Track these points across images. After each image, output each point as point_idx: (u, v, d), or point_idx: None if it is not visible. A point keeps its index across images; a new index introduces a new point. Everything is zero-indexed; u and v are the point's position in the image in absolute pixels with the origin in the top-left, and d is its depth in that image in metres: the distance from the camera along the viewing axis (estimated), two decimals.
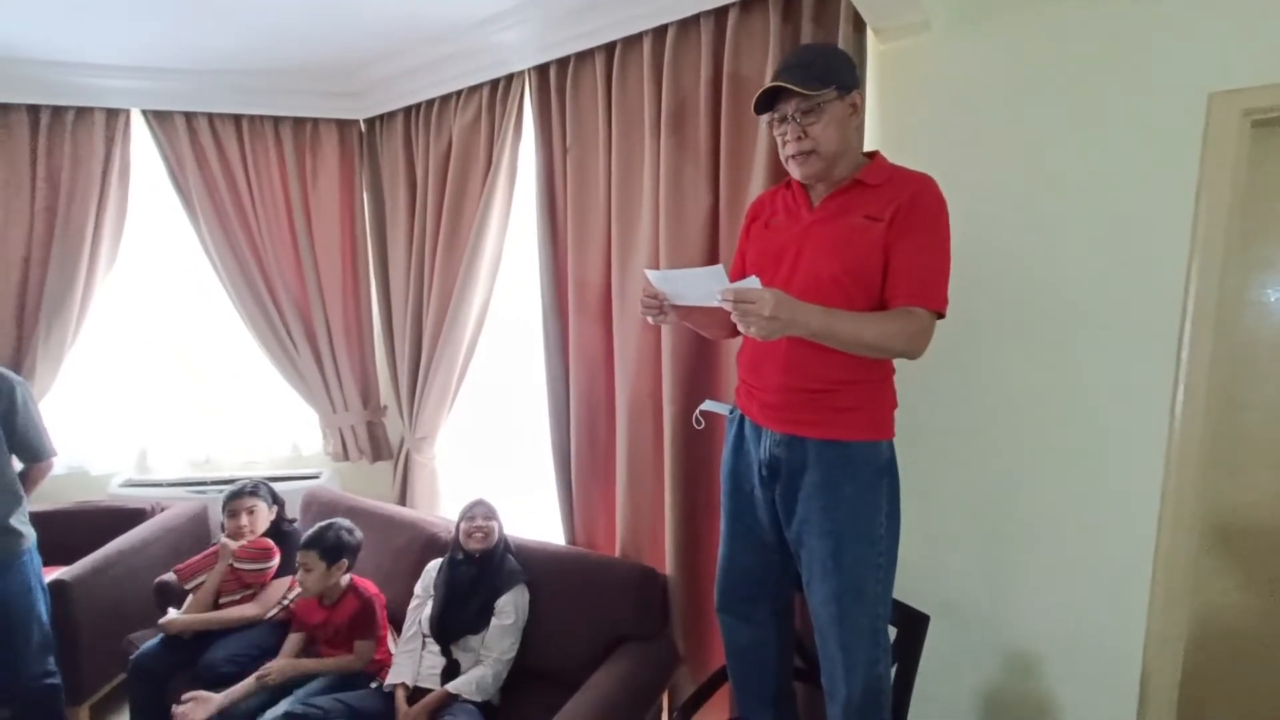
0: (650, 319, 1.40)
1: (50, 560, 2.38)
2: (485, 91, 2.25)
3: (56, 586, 2.08)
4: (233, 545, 2.12)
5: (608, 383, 2.11)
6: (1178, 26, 1.36)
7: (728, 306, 1.10)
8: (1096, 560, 1.55)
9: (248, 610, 2.07)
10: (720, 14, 1.73)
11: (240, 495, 2.20)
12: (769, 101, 1.29)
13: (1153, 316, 1.43)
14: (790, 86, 1.22)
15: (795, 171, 1.33)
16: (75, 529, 2.51)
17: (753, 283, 1.10)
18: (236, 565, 2.10)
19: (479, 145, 2.29)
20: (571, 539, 2.25)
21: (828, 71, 1.24)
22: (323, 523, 2.00)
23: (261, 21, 2.06)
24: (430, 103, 2.42)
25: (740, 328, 1.12)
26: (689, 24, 1.79)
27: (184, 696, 1.75)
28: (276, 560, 2.14)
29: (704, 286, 1.19)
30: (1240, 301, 1.46)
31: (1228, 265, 1.36)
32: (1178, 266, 1.39)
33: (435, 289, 2.45)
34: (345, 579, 1.97)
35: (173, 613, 2.05)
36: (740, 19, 1.70)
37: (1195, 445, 1.41)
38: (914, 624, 1.51)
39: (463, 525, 2.02)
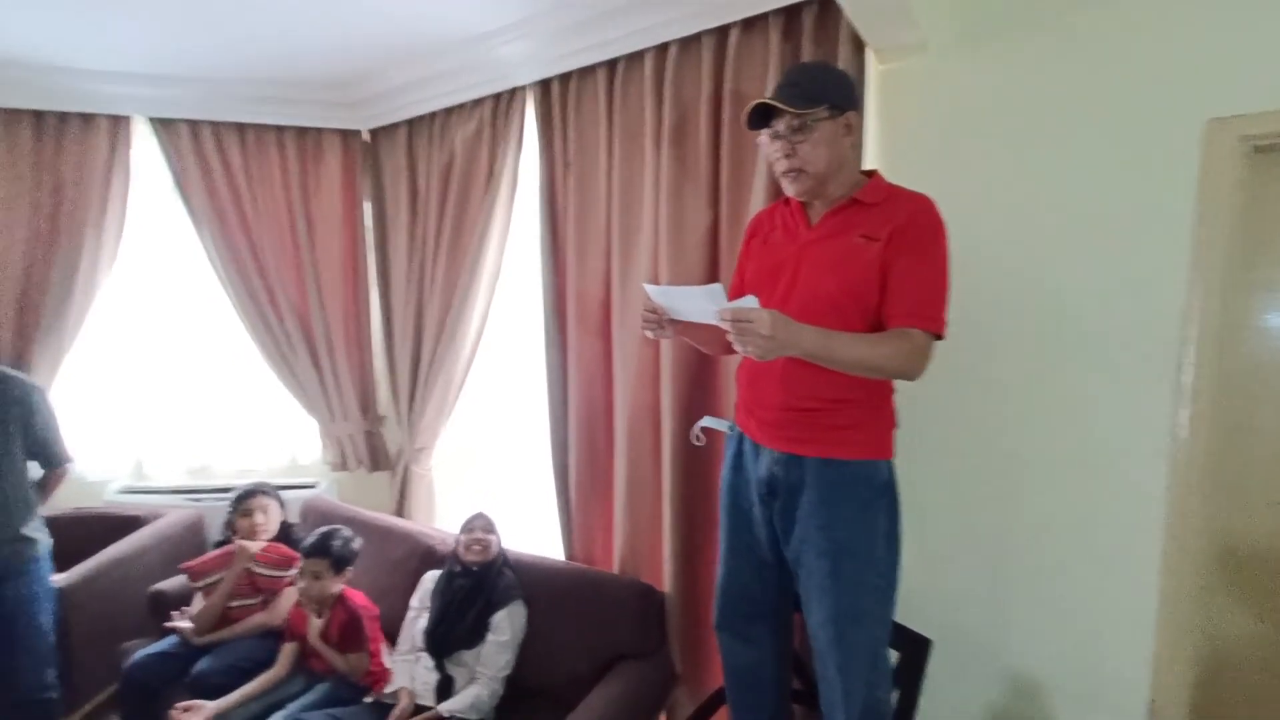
0: (649, 333, 1.40)
1: None
2: (488, 105, 2.26)
3: None
4: (253, 548, 2.09)
5: (607, 397, 2.10)
6: (1175, 53, 1.37)
7: (725, 325, 1.10)
8: (1101, 584, 1.54)
9: (257, 619, 2.06)
10: (722, 33, 1.74)
11: (254, 494, 2.19)
12: (764, 118, 1.29)
13: (1155, 340, 1.42)
14: (778, 105, 1.23)
15: (788, 189, 1.33)
16: (70, 535, 2.49)
17: (750, 302, 1.10)
18: (256, 569, 2.08)
19: (481, 158, 2.30)
20: (570, 554, 2.24)
21: (819, 90, 1.24)
22: (323, 529, 1.99)
23: (265, 32, 2.08)
24: (433, 115, 2.43)
25: (737, 347, 1.11)
26: (691, 42, 1.80)
27: (178, 705, 1.74)
28: (296, 569, 2.11)
29: (702, 304, 1.19)
30: (1242, 326, 1.46)
31: (1228, 290, 1.36)
32: (1178, 291, 1.39)
33: (435, 300, 2.45)
34: (337, 588, 1.96)
35: (184, 622, 2.02)
36: (741, 38, 1.71)
37: (1199, 470, 1.40)
38: (916, 648, 1.50)
39: (462, 538, 2.01)
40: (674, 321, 1.36)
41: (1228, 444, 1.45)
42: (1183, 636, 1.46)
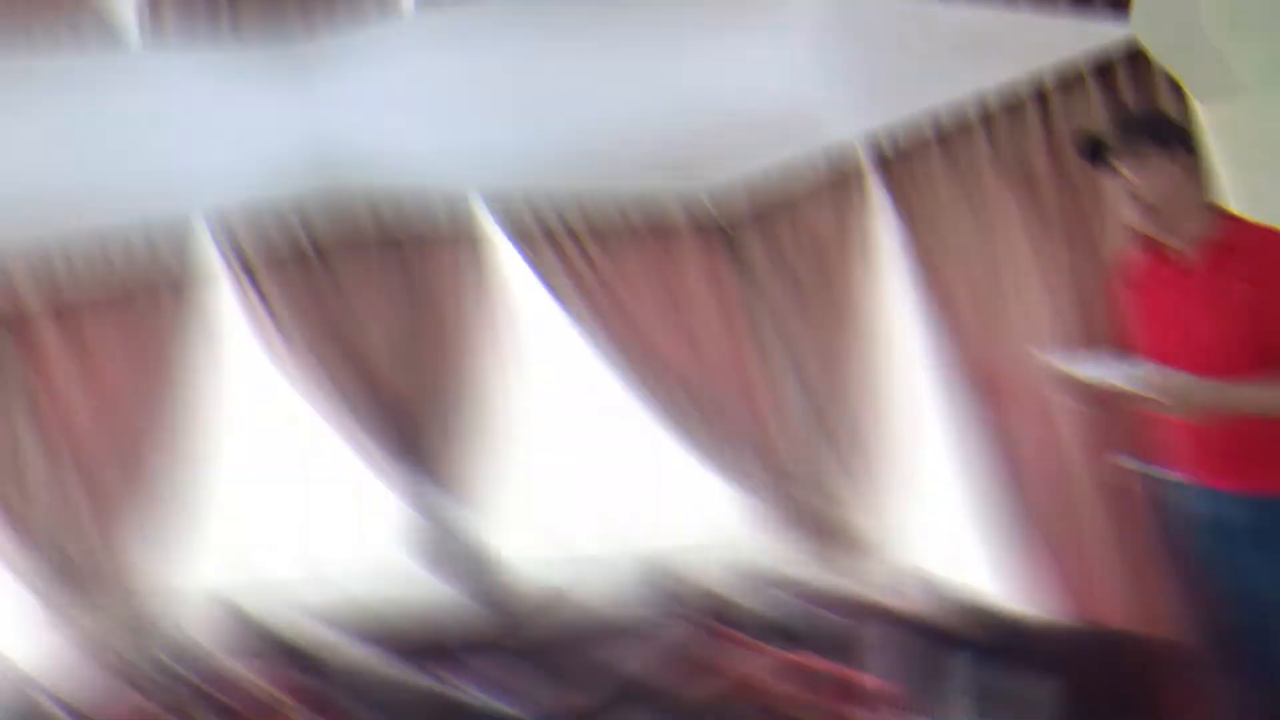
0: (1083, 408, 1.54)
1: None
2: (829, 174, 2.40)
3: None
4: None
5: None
6: None
7: (1145, 398, 1.20)
8: None
9: None
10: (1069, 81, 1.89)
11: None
12: (1103, 156, 1.35)
13: None
14: (1119, 142, 1.32)
15: (1138, 225, 1.35)
16: None
17: (1158, 372, 1.19)
18: None
19: (837, 227, 2.43)
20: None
21: (1160, 132, 1.35)
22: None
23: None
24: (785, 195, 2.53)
25: (1157, 413, 1.23)
26: (1011, 98, 1.97)
27: None
28: None
29: (1118, 375, 1.26)
30: None
31: None
32: None
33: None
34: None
35: None
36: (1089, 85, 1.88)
37: None
38: None
39: None
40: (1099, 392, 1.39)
41: None
42: None
